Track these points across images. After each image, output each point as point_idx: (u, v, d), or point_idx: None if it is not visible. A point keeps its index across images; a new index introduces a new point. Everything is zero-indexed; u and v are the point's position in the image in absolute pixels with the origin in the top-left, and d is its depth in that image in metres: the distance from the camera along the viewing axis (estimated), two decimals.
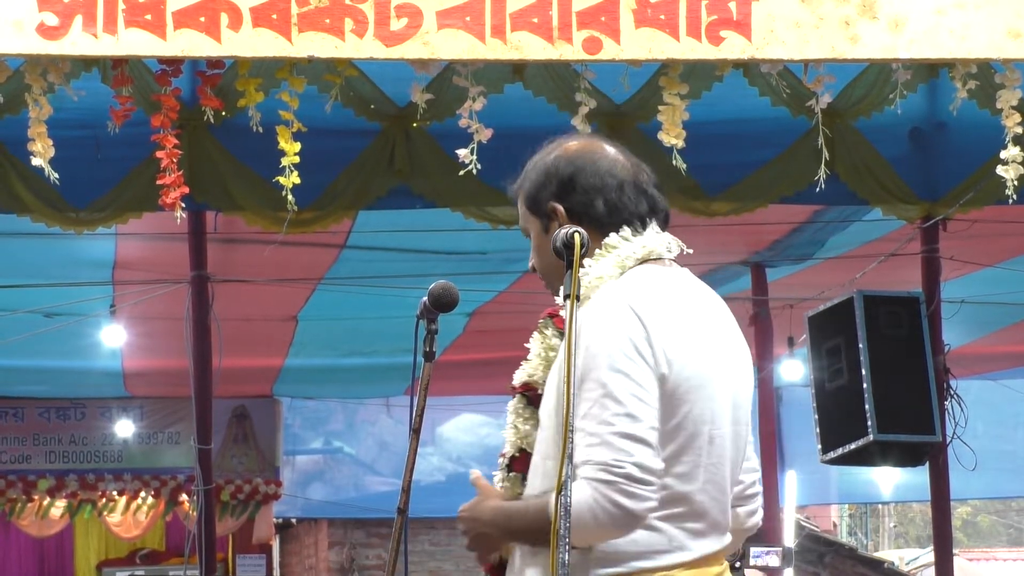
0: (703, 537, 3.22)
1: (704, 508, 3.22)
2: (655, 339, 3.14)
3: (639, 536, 3.15)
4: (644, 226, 3.32)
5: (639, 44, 5.67)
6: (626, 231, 3.30)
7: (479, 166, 5.89)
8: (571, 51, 5.66)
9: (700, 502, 3.21)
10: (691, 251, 3.37)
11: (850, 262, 9.41)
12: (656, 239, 3.31)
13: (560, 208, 3.33)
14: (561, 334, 3.28)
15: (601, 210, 3.32)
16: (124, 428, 15.48)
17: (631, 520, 3.09)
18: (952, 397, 7.85)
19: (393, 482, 14.60)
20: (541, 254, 3.39)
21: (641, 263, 3.28)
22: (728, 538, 3.32)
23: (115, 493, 15.66)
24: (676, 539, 3.19)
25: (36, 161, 5.84)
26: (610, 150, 3.41)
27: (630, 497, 3.07)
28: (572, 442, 3.04)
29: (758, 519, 3.51)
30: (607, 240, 3.30)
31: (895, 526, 36.42)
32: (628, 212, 3.32)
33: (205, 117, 6.14)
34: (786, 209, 7.80)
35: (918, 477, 10.50)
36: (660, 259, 3.30)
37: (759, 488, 3.51)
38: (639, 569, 3.17)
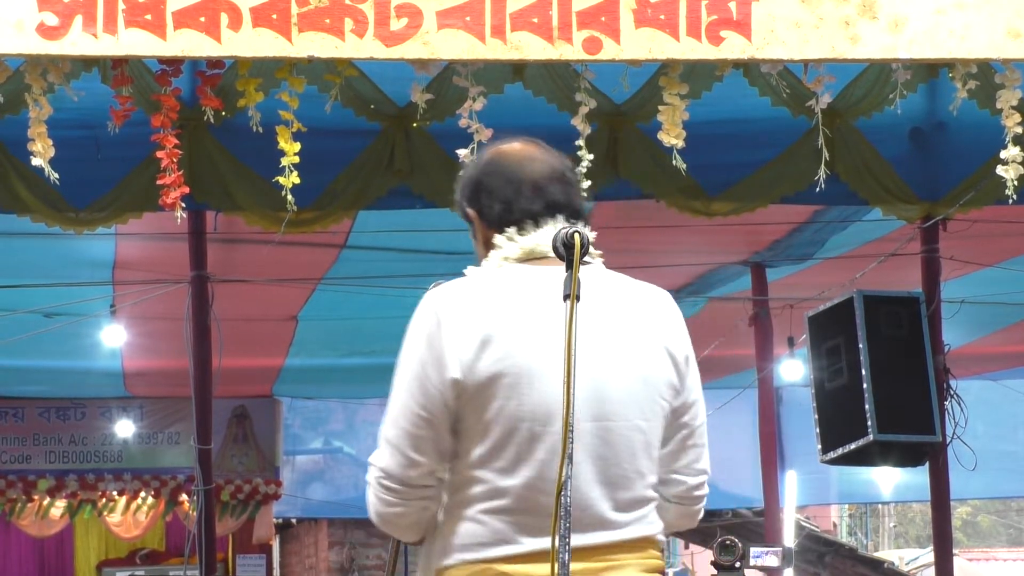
0: (539, 534, 3.19)
1: (535, 504, 3.21)
2: (450, 341, 3.18)
3: (463, 528, 3.23)
4: (539, 225, 3.33)
5: (639, 44, 5.67)
6: (511, 231, 3.32)
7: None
8: (571, 51, 5.66)
9: (527, 498, 3.21)
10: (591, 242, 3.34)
11: (850, 262, 9.41)
12: (541, 237, 3.31)
13: (471, 212, 3.40)
14: None
15: (497, 212, 3.35)
16: (124, 428, 15.48)
17: (381, 520, 3.28)
18: (952, 397, 7.85)
19: None
20: (478, 258, 3.45)
21: (523, 261, 3.31)
22: (601, 536, 3.27)
23: (115, 493, 15.66)
24: (501, 532, 3.22)
25: (36, 161, 5.84)
26: (517, 154, 3.40)
27: (378, 500, 3.27)
28: (572, 442, 3.06)
29: (697, 516, 3.57)
30: (495, 240, 3.34)
31: (895, 526, 36.44)
32: (520, 212, 3.33)
33: (205, 117, 6.14)
34: (786, 209, 7.79)
35: (918, 477, 10.51)
36: (544, 257, 3.30)
37: (703, 492, 3.52)
38: (463, 561, 3.23)
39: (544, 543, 3.15)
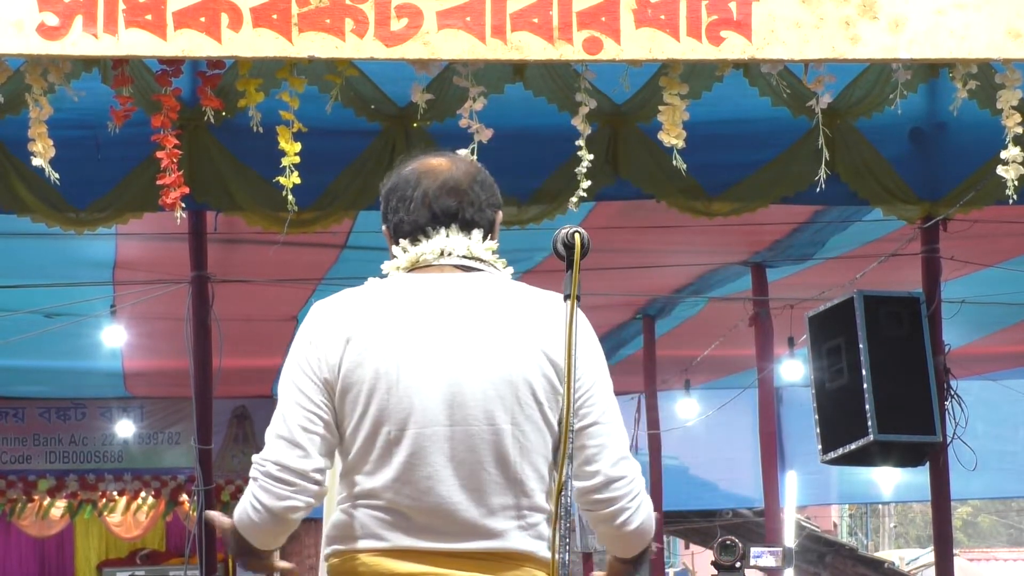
0: (405, 532, 3.27)
1: (400, 506, 3.27)
2: (320, 344, 3.29)
3: (336, 519, 3.34)
4: (427, 235, 3.41)
5: (639, 44, 5.67)
6: (405, 243, 3.42)
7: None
8: (571, 51, 5.66)
9: (392, 499, 3.28)
10: (454, 251, 3.40)
11: (850, 262, 9.41)
12: (425, 247, 3.39)
13: (383, 227, 3.51)
14: None
15: (394, 225, 3.45)
16: (124, 428, 15.48)
17: (270, 515, 3.30)
18: (952, 397, 7.85)
19: None
20: None
21: (410, 270, 3.41)
22: (470, 544, 3.26)
23: (115, 493, 15.67)
24: (367, 526, 3.30)
25: (36, 161, 5.84)
26: (418, 170, 3.46)
27: (266, 492, 3.29)
28: (572, 442, 3.07)
29: (621, 526, 3.35)
30: (391, 250, 3.46)
31: (895, 526, 36.43)
32: (409, 225, 3.42)
33: (205, 117, 6.14)
34: (786, 209, 7.79)
35: (918, 477, 10.51)
36: (429, 265, 3.40)
37: (611, 493, 3.32)
38: (337, 551, 3.35)
39: (407, 541, 3.26)
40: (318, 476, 3.30)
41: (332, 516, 3.39)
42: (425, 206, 3.40)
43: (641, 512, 3.36)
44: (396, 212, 3.44)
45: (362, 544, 3.30)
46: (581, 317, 3.31)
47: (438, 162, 3.47)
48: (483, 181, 3.47)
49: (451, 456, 3.27)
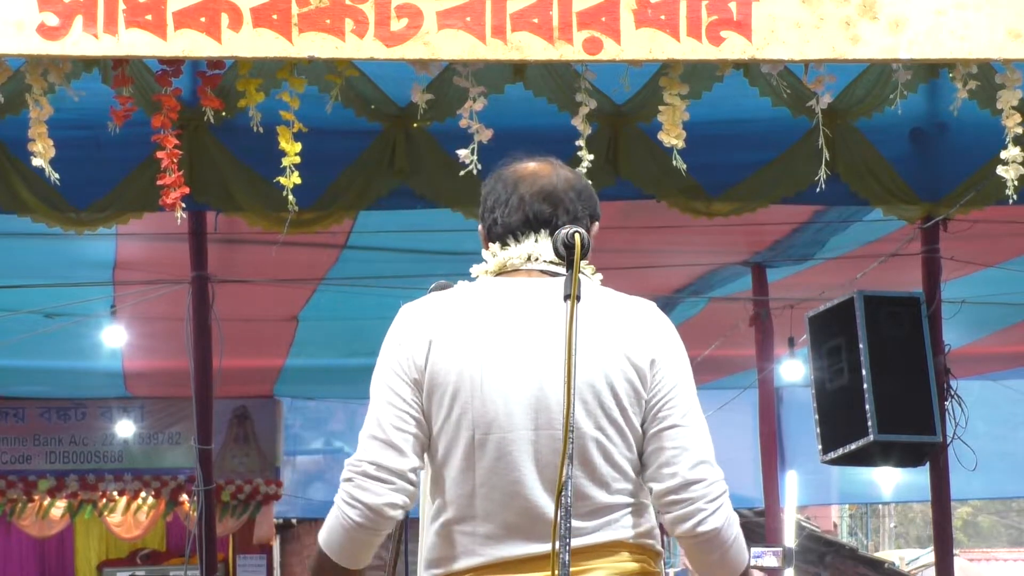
0: (497, 542, 3.26)
1: (487, 511, 3.27)
2: (408, 345, 3.31)
3: (430, 543, 3.34)
4: (517, 239, 3.42)
5: (639, 44, 5.67)
6: (495, 247, 3.44)
7: (479, 166, 5.88)
8: (571, 51, 5.66)
9: (478, 506, 3.28)
10: (539, 256, 3.42)
11: (851, 262, 9.41)
12: (514, 251, 3.40)
13: (479, 227, 3.52)
14: None
15: (488, 227, 3.47)
16: (125, 428, 15.48)
17: (369, 512, 3.27)
18: (953, 397, 7.85)
19: None
20: None
21: (498, 274, 3.42)
22: (545, 544, 3.24)
23: (115, 493, 15.67)
24: (461, 544, 3.29)
25: (37, 161, 5.84)
26: (517, 172, 3.48)
27: (364, 491, 3.27)
28: (572, 442, 3.08)
29: (694, 527, 3.32)
30: (483, 254, 3.48)
31: (895, 526, 36.43)
32: (502, 227, 3.43)
33: (205, 117, 6.14)
34: (787, 209, 7.79)
35: (919, 477, 10.51)
36: (516, 270, 3.41)
37: (688, 495, 3.30)
38: (436, 575, 3.33)
39: (503, 551, 3.25)
40: (414, 476, 3.31)
41: (426, 539, 3.37)
42: (520, 210, 3.42)
43: (718, 516, 3.32)
44: (491, 212, 3.45)
45: (460, 564, 3.30)
46: (666, 320, 3.38)
47: (538, 166, 3.49)
48: (581, 190, 3.50)
49: (536, 460, 3.27)
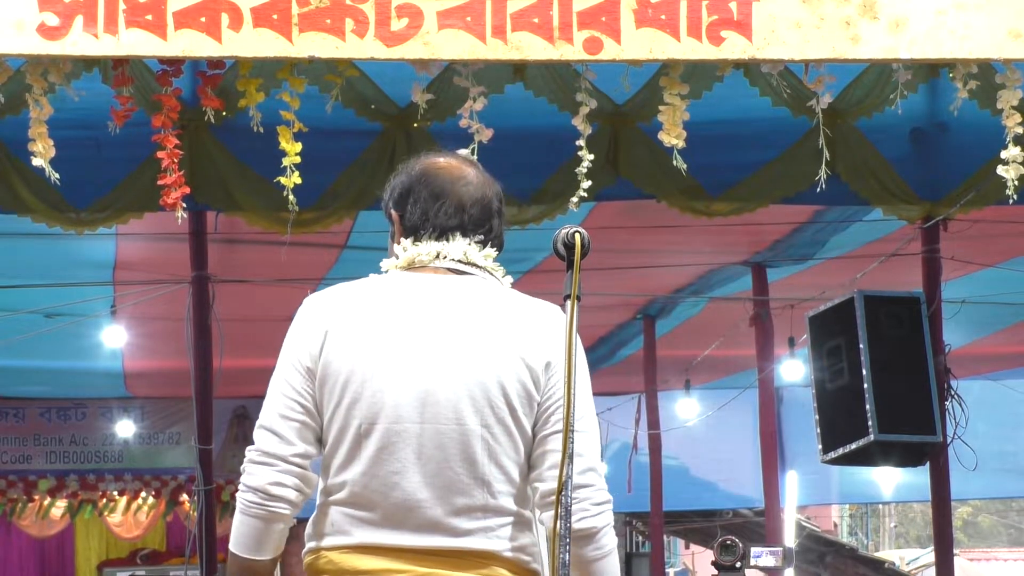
0: (373, 527, 3.31)
1: (367, 500, 3.32)
2: (304, 334, 3.41)
3: (315, 518, 3.42)
4: (446, 239, 3.45)
5: (640, 44, 5.67)
6: (408, 241, 3.48)
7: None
8: (572, 51, 5.66)
9: (360, 494, 3.33)
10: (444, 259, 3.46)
11: (851, 262, 9.41)
12: (423, 248, 3.45)
13: (395, 214, 3.56)
14: None
15: (414, 220, 3.49)
16: (125, 428, 15.49)
17: (256, 496, 3.37)
18: (953, 397, 7.85)
19: None
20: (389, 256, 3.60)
21: (406, 269, 3.47)
22: (433, 540, 3.29)
23: (116, 493, 15.67)
24: (338, 523, 3.36)
25: (37, 161, 5.84)
26: (451, 171, 3.51)
27: (251, 476, 3.38)
28: (573, 442, 3.08)
29: (574, 523, 3.23)
30: (394, 247, 3.54)
31: (896, 526, 36.45)
32: (433, 225, 3.46)
33: (206, 117, 6.14)
34: (787, 209, 7.79)
35: (919, 477, 10.50)
36: (424, 266, 3.45)
37: (573, 495, 3.21)
38: (310, 548, 3.41)
39: (373, 536, 3.30)
40: (299, 460, 3.38)
41: (314, 515, 3.45)
42: (458, 215, 3.45)
43: (600, 519, 3.33)
44: (418, 206, 3.48)
45: (330, 541, 3.36)
46: (565, 322, 3.32)
47: (466, 169, 3.52)
48: (503, 197, 3.55)
49: (419, 453, 3.30)
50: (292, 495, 3.37)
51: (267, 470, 3.36)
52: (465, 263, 3.43)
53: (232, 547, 3.42)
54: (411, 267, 3.46)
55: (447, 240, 3.44)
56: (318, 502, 3.43)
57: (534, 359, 3.33)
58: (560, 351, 3.30)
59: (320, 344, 3.37)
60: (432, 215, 3.45)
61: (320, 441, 3.40)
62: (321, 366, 3.36)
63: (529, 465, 3.37)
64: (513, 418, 3.32)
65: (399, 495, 3.30)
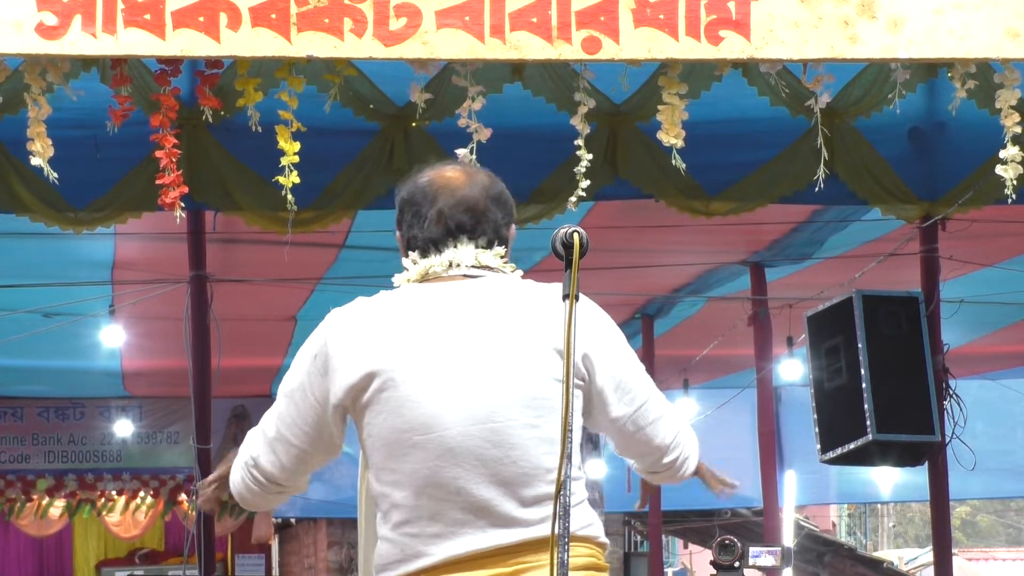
0: (445, 539, 3.30)
1: (432, 511, 3.31)
2: (333, 362, 3.37)
3: (380, 549, 3.38)
4: (439, 249, 3.46)
5: (638, 44, 5.67)
6: (415, 255, 3.48)
7: (478, 166, 5.88)
8: (570, 51, 5.66)
9: (421, 506, 3.32)
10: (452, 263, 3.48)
11: (849, 262, 9.41)
12: (435, 260, 3.46)
13: (397, 233, 3.57)
14: None
15: (407, 236, 3.51)
16: (123, 428, 15.49)
17: (239, 499, 3.60)
18: (951, 397, 7.85)
19: None
20: None
21: (421, 282, 3.47)
22: (509, 534, 3.31)
23: (114, 493, 15.68)
24: (408, 547, 3.32)
25: (35, 161, 5.84)
26: (435, 182, 3.52)
27: (243, 484, 3.57)
28: (572, 442, 3.09)
29: (683, 474, 3.73)
30: (402, 262, 3.53)
31: (894, 526, 36.47)
32: (422, 240, 3.48)
33: (204, 117, 6.14)
34: (785, 209, 7.79)
35: (917, 477, 10.51)
36: (438, 277, 3.46)
37: (672, 457, 3.66)
38: None
39: (451, 549, 3.29)
40: (287, 483, 3.51)
41: (375, 545, 3.41)
42: (440, 223, 3.46)
43: (693, 459, 3.72)
44: (411, 227, 3.49)
45: (408, 567, 3.33)
46: (599, 311, 3.47)
47: (454, 175, 3.52)
48: (498, 197, 3.52)
49: (477, 455, 3.31)
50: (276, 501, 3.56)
51: (260, 495, 3.56)
52: (478, 267, 3.45)
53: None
54: (425, 279, 3.47)
55: (447, 249, 3.45)
56: (380, 530, 3.40)
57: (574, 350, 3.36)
58: (593, 339, 3.42)
59: (356, 368, 3.34)
60: (419, 231, 3.47)
61: (304, 463, 3.49)
62: (359, 390, 3.34)
63: (621, 448, 3.60)
64: (560, 408, 3.30)
65: (466, 498, 3.30)
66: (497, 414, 3.32)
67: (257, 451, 3.50)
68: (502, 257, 3.49)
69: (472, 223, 3.47)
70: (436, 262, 3.45)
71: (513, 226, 3.56)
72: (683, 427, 3.65)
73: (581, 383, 3.41)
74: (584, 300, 3.40)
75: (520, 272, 3.53)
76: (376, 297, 3.47)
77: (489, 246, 3.47)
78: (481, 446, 3.31)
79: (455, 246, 3.45)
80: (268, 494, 3.55)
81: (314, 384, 3.40)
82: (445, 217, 3.46)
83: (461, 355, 3.34)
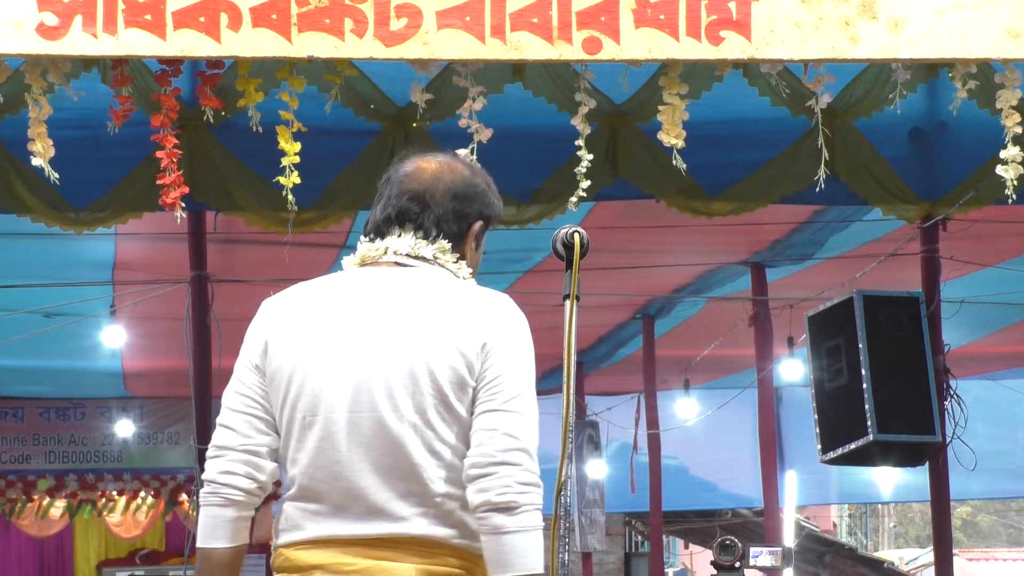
0: (322, 518, 3.37)
1: (316, 491, 3.38)
2: (258, 333, 3.47)
3: (275, 517, 3.47)
4: (382, 234, 3.52)
5: (639, 44, 5.67)
6: (364, 239, 3.55)
7: (475, 164, 5.88)
8: (571, 51, 5.66)
9: (308, 485, 3.38)
10: (381, 249, 3.51)
11: (850, 262, 9.41)
12: (373, 245, 3.51)
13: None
14: None
15: (369, 217, 3.59)
16: (124, 428, 15.49)
17: (209, 486, 3.46)
18: (952, 397, 7.85)
19: None
20: None
21: (361, 265, 3.52)
22: (379, 527, 3.31)
23: (115, 493, 15.67)
24: (292, 518, 3.42)
25: (36, 161, 5.84)
26: (405, 168, 3.56)
27: (206, 471, 3.48)
28: (571, 441, 3.08)
29: (494, 496, 3.24)
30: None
31: (895, 526, 36.47)
32: (370, 223, 3.57)
33: (205, 117, 6.14)
34: (786, 209, 7.80)
35: (918, 477, 10.52)
36: (375, 262, 3.50)
37: (497, 471, 3.24)
38: (273, 547, 3.48)
39: (323, 528, 3.35)
40: (250, 447, 3.45)
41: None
42: (387, 207, 3.52)
43: (525, 497, 3.23)
44: (374, 209, 3.57)
45: (285, 538, 3.42)
46: (512, 311, 3.37)
47: (428, 165, 3.54)
48: (463, 192, 3.51)
49: (359, 442, 3.34)
50: (242, 482, 3.43)
51: (217, 461, 3.46)
52: (413, 257, 3.46)
53: (197, 542, 3.48)
54: (364, 263, 3.52)
55: (391, 235, 3.50)
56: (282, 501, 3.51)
57: (468, 345, 3.34)
58: (497, 333, 3.33)
59: (265, 343, 3.43)
60: (376, 213, 3.55)
61: (277, 432, 3.47)
62: (268, 364, 3.43)
63: (467, 449, 3.35)
64: (445, 404, 3.33)
65: (343, 484, 3.34)
66: (381, 405, 3.33)
67: (215, 439, 3.51)
68: (447, 252, 3.47)
69: (418, 212, 3.49)
70: (374, 247, 3.50)
71: (479, 223, 3.52)
72: (528, 466, 3.25)
73: (467, 375, 3.33)
74: (501, 298, 3.41)
75: (468, 271, 3.51)
76: (313, 280, 3.54)
77: (430, 238, 3.47)
78: (363, 434, 3.34)
79: (398, 234, 3.49)
80: (237, 468, 3.48)
81: (247, 354, 3.48)
82: (393, 203, 3.51)
83: (356, 342, 3.37)
